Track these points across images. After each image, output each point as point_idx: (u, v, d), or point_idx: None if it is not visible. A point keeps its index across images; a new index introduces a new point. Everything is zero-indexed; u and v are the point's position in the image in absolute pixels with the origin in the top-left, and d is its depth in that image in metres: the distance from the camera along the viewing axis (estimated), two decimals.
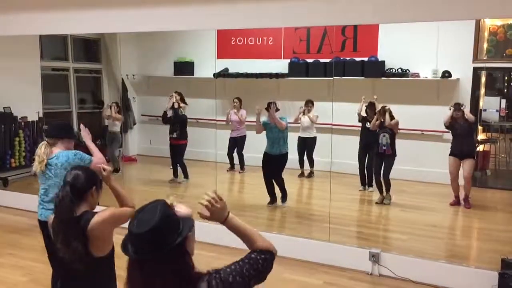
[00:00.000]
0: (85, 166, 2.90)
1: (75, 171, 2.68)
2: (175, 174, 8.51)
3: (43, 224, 3.78)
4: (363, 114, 7.74)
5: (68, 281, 2.68)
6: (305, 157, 8.66)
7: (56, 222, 2.56)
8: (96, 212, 2.57)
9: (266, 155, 6.93)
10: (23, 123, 8.66)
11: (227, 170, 9.14)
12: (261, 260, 1.80)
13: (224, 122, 8.87)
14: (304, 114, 8.32)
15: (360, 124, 7.86)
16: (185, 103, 8.58)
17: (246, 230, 1.88)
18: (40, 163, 3.70)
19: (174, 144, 8.37)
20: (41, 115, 8.65)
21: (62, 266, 2.59)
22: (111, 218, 2.56)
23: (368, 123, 7.47)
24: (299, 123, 8.37)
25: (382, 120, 7.03)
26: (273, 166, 6.87)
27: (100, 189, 2.72)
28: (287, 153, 6.93)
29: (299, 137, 8.57)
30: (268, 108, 6.74)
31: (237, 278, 1.73)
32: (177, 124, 8.31)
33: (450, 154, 6.97)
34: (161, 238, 1.67)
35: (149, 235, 1.66)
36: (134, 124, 10.76)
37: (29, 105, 8.45)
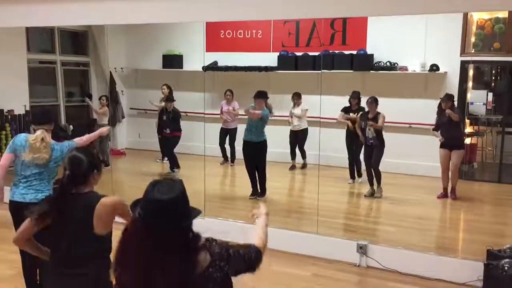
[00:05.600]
0: (85, 148, 2.87)
1: (77, 154, 2.68)
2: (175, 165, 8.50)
3: (19, 207, 3.76)
4: (347, 104, 7.79)
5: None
6: (296, 149, 8.72)
7: (58, 203, 2.58)
8: (103, 195, 2.61)
9: (244, 143, 6.99)
10: (9, 117, 8.57)
11: (221, 164, 9.13)
12: (248, 253, 1.92)
13: (213, 116, 8.85)
14: (294, 106, 8.38)
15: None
16: (173, 99, 8.57)
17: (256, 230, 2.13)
18: (46, 153, 3.78)
19: (168, 137, 8.39)
20: (28, 108, 8.56)
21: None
22: (119, 204, 2.60)
23: (352, 113, 7.56)
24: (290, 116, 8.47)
25: (370, 113, 7.05)
26: (253, 154, 6.88)
27: (100, 171, 2.75)
28: (266, 141, 6.93)
29: (291, 131, 8.62)
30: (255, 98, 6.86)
31: (235, 253, 1.85)
32: (168, 120, 8.32)
33: (441, 146, 7.02)
34: (180, 209, 1.69)
35: (170, 203, 1.66)
36: (123, 117, 10.70)
37: (15, 99, 8.35)
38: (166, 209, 1.67)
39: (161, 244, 1.67)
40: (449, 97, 6.97)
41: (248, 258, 1.90)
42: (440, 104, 7.00)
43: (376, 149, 7.02)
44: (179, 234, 1.69)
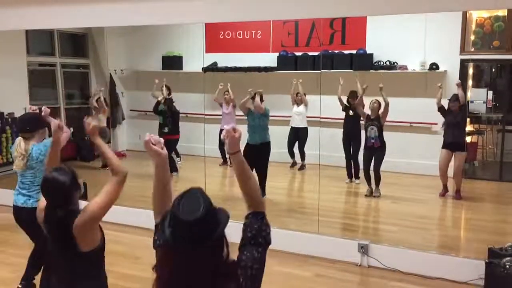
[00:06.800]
0: (63, 168, 2.65)
1: (56, 177, 2.52)
2: (171, 169, 8.48)
3: (17, 210, 3.84)
4: (345, 103, 7.77)
5: (59, 275, 2.66)
6: (296, 150, 8.70)
7: (46, 225, 2.57)
8: (78, 212, 2.54)
9: (247, 146, 6.88)
10: (10, 120, 8.57)
11: (220, 165, 9.13)
12: (263, 231, 1.83)
13: (213, 117, 8.84)
14: (297, 100, 8.44)
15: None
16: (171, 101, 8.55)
17: (248, 171, 1.98)
18: (23, 160, 3.73)
19: (167, 139, 8.33)
20: (28, 111, 8.55)
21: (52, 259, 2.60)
22: (92, 214, 2.53)
23: (351, 112, 7.55)
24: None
25: (372, 114, 7.03)
26: (256, 156, 6.86)
27: (81, 189, 2.67)
28: (269, 142, 6.92)
29: (291, 127, 8.59)
30: (253, 97, 6.85)
31: (256, 267, 1.73)
32: (170, 118, 8.30)
33: (443, 147, 7.00)
34: (212, 224, 1.61)
35: (202, 221, 1.58)
36: (123, 119, 10.69)
37: (16, 101, 8.35)
38: (197, 228, 1.57)
39: (196, 269, 1.59)
40: (456, 97, 6.96)
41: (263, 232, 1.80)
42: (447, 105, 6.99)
43: (377, 152, 6.99)
44: (211, 253, 1.60)
